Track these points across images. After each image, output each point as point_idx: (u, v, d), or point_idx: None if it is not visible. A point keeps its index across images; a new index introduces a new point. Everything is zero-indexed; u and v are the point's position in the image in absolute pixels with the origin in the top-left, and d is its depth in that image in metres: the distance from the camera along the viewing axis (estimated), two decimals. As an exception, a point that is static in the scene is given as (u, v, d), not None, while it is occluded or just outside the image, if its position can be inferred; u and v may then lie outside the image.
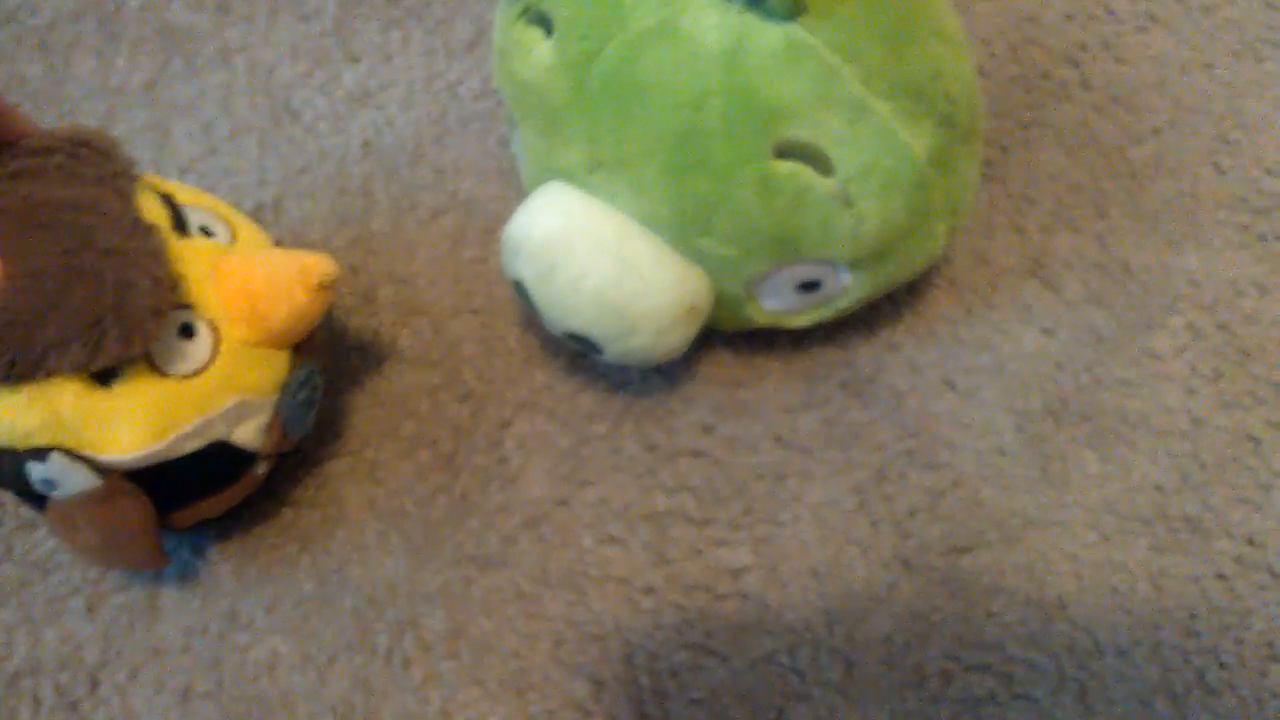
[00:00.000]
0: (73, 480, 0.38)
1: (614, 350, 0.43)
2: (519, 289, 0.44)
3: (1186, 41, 0.55)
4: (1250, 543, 0.44)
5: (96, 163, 0.39)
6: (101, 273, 0.36)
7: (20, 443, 0.37)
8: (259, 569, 0.46)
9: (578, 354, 0.49)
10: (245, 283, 0.40)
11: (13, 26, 0.60)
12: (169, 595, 0.45)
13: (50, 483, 0.38)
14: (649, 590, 0.44)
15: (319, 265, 0.41)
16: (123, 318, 0.36)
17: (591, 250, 0.41)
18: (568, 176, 0.42)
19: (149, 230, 0.38)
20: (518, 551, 0.45)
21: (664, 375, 0.49)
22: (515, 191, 0.53)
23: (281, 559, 0.46)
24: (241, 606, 0.45)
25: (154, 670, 0.44)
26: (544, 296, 0.42)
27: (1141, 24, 0.56)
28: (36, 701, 0.44)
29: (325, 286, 0.41)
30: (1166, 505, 0.45)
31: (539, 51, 0.41)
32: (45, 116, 0.57)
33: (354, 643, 0.44)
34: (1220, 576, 0.44)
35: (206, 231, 0.42)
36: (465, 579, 0.45)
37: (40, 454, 0.37)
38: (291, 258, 0.41)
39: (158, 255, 0.38)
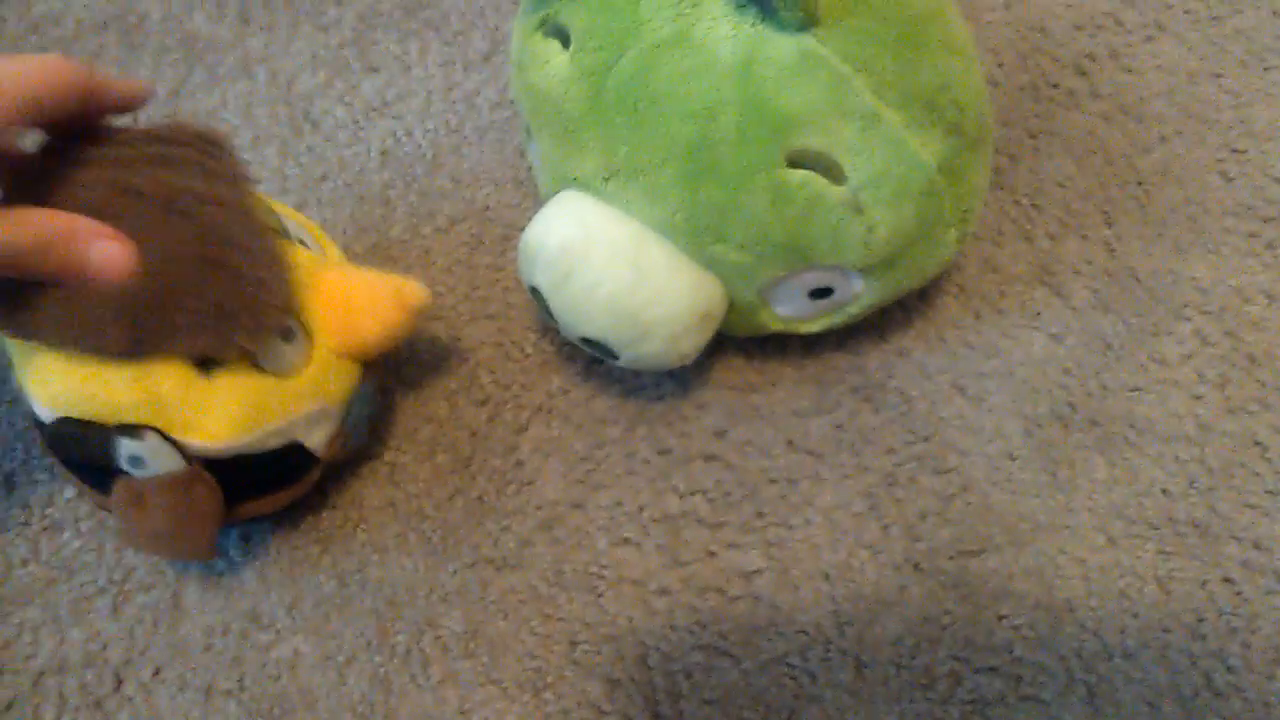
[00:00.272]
0: (160, 461, 0.39)
1: (628, 356, 0.43)
2: (535, 295, 0.44)
3: (1194, 51, 0.56)
4: (1257, 547, 0.45)
5: (224, 161, 0.40)
6: (239, 267, 0.38)
7: (114, 417, 0.39)
8: (280, 570, 0.46)
9: (593, 359, 0.50)
10: (345, 296, 0.42)
11: (36, 37, 0.62)
12: (192, 595, 0.46)
13: (138, 460, 0.39)
14: (663, 592, 0.45)
15: (415, 289, 0.43)
16: (255, 313, 0.38)
17: (606, 257, 0.41)
18: (583, 185, 0.43)
19: (273, 233, 0.40)
20: (533, 553, 0.46)
21: (677, 380, 0.49)
22: (531, 199, 0.54)
23: (303, 559, 0.47)
24: (263, 606, 0.46)
25: (177, 669, 0.45)
26: (559, 303, 0.43)
27: (1149, 33, 0.57)
28: (62, 699, 0.44)
29: (418, 309, 0.43)
30: (1174, 510, 0.46)
31: (556, 62, 0.42)
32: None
33: (373, 642, 0.45)
34: (1227, 580, 0.44)
35: (303, 243, 0.43)
36: (482, 580, 0.46)
37: (135, 431, 0.39)
38: (389, 279, 0.43)
39: (282, 259, 0.40)
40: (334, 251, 0.46)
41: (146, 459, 0.39)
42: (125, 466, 0.39)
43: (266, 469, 0.42)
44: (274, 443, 0.41)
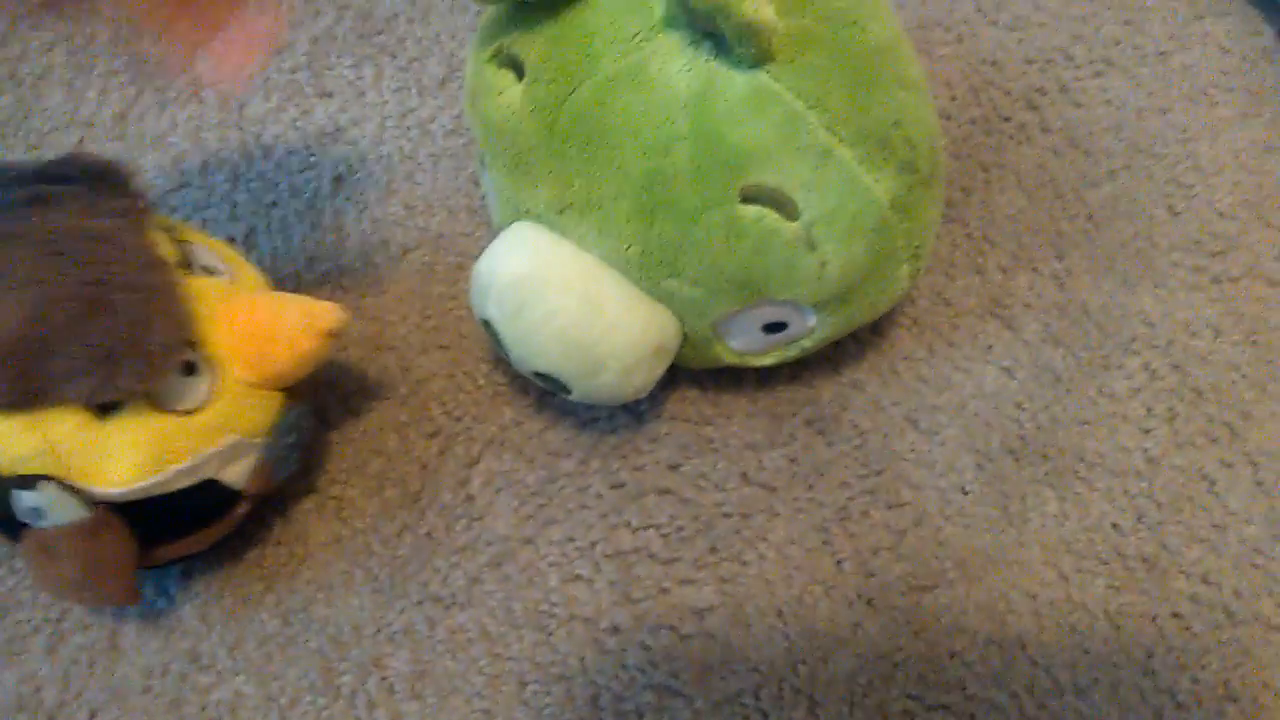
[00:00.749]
0: (62, 510, 0.38)
1: (581, 389, 0.43)
2: (487, 328, 0.44)
3: (1142, 85, 0.57)
4: (1205, 581, 0.45)
5: (114, 195, 0.39)
6: (118, 307, 0.36)
7: (10, 469, 0.37)
8: (222, 608, 0.45)
9: (547, 392, 0.49)
10: (252, 324, 0.40)
11: (-19, 58, 0.60)
12: (130, 635, 0.45)
13: (38, 512, 0.38)
14: (615, 630, 0.45)
15: (327, 312, 0.41)
16: (138, 353, 0.36)
17: (559, 290, 0.41)
18: (537, 217, 0.42)
19: (165, 266, 0.39)
20: (483, 591, 0.45)
21: (631, 413, 0.49)
22: (486, 229, 0.54)
23: (245, 598, 0.46)
24: (204, 646, 0.45)
25: (114, 712, 0.43)
26: (511, 336, 0.42)
27: (1098, 69, 0.57)
28: (-6, 743, 0.43)
29: (331, 333, 0.41)
30: (1123, 544, 0.46)
31: (509, 93, 0.42)
32: (14, 148, 0.57)
33: (317, 684, 0.44)
34: (1176, 615, 0.45)
35: (209, 270, 0.42)
36: (430, 619, 0.45)
37: (29, 482, 0.37)
38: (299, 303, 0.41)
39: (173, 292, 0.38)
40: (249, 275, 0.44)
41: (45, 510, 0.38)
42: (25, 519, 0.38)
43: (181, 509, 0.40)
44: (184, 482, 0.40)
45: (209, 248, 0.43)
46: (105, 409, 0.38)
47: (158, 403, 0.38)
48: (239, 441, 0.41)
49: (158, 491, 0.39)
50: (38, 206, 0.37)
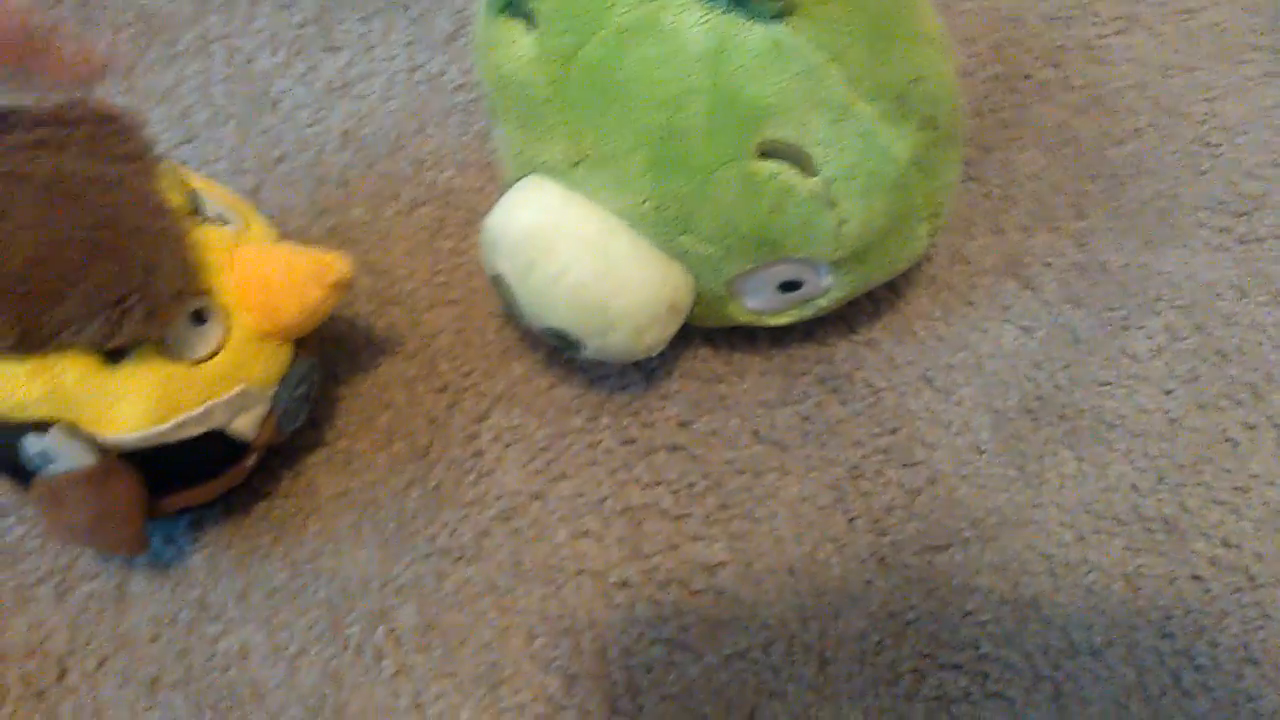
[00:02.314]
0: (70, 456, 0.37)
1: (593, 347, 0.42)
2: (498, 283, 0.43)
3: (1167, 43, 0.55)
4: (1226, 544, 0.44)
5: (122, 140, 0.38)
6: (128, 251, 0.36)
7: (18, 414, 0.37)
8: (231, 559, 0.45)
9: (555, 348, 0.49)
10: (262, 274, 0.40)
11: (-10, 10, 0.60)
12: (139, 584, 0.45)
13: (46, 456, 0.38)
14: (623, 585, 0.44)
15: (336, 264, 0.41)
16: (147, 298, 0.36)
17: (572, 246, 0.40)
18: (548, 171, 0.42)
19: (174, 213, 0.38)
20: (491, 544, 0.45)
21: (642, 370, 0.48)
22: (495, 184, 0.53)
23: (254, 549, 0.45)
24: (212, 596, 0.44)
25: (122, 659, 0.43)
26: (523, 292, 0.42)
27: (1122, 26, 0.56)
28: (3, 690, 0.43)
29: (339, 285, 0.41)
30: (1142, 506, 0.45)
31: (521, 44, 0.41)
32: (22, 102, 0.56)
33: (325, 634, 0.44)
34: (1196, 578, 0.44)
35: (220, 219, 0.42)
36: (438, 572, 0.45)
37: (40, 427, 0.37)
38: (308, 254, 0.41)
39: (182, 239, 0.38)
40: (258, 227, 0.44)
41: (54, 455, 0.37)
42: (34, 464, 0.38)
43: (190, 459, 0.40)
44: (192, 430, 0.39)
45: (218, 197, 0.43)
46: (114, 355, 0.37)
47: (167, 350, 0.38)
48: (247, 391, 0.40)
49: (166, 440, 0.39)
50: (46, 149, 0.37)
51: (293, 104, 0.56)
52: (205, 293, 0.39)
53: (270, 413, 0.42)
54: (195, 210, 0.41)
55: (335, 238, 0.52)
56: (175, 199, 0.39)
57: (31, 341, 0.36)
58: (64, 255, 0.35)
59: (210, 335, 0.39)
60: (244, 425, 0.41)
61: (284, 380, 0.42)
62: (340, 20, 0.58)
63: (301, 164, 0.54)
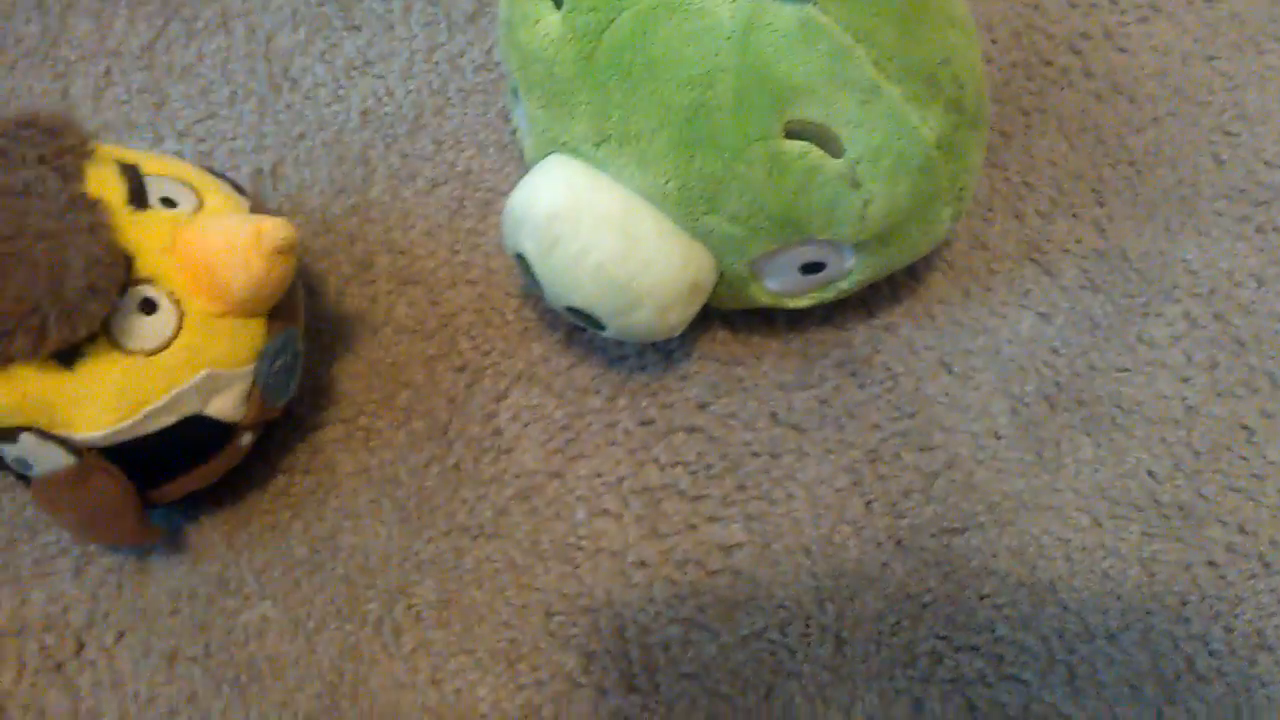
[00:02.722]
0: (46, 460, 0.38)
1: (616, 326, 0.42)
2: (520, 262, 0.43)
3: (1189, 32, 0.55)
4: (1242, 531, 0.44)
5: (39, 143, 0.38)
6: (35, 257, 0.35)
7: None
8: (250, 534, 0.45)
9: (574, 327, 0.49)
10: (202, 252, 0.39)
11: (10, -14, 0.60)
12: (158, 558, 0.45)
13: (24, 462, 0.38)
14: (641, 564, 0.44)
15: (274, 229, 0.39)
16: (59, 300, 0.35)
17: (596, 225, 0.40)
18: (573, 150, 0.42)
19: (89, 206, 0.37)
20: (510, 522, 0.45)
21: (661, 351, 0.49)
22: (515, 164, 0.53)
23: (273, 525, 0.45)
24: (231, 571, 0.45)
25: (141, 633, 0.44)
26: (546, 270, 0.42)
27: (1144, 14, 0.56)
28: (21, 662, 0.43)
29: (282, 251, 0.39)
30: (1159, 492, 0.45)
31: (547, 21, 0.41)
32: (42, 77, 0.56)
33: (344, 610, 0.44)
34: (1211, 564, 0.44)
35: (169, 202, 0.40)
36: (457, 549, 0.45)
37: (10, 435, 0.37)
38: (246, 223, 0.39)
39: (95, 231, 0.36)
40: (218, 200, 0.42)
41: (31, 460, 0.38)
42: (17, 469, 0.38)
43: (173, 446, 0.40)
44: (165, 420, 0.39)
45: (174, 178, 0.42)
46: (67, 357, 0.37)
47: (119, 345, 0.37)
48: (213, 374, 0.39)
49: (140, 432, 0.38)
50: None
51: (313, 82, 0.56)
52: (149, 280, 0.38)
53: (253, 390, 0.41)
54: (137, 197, 0.39)
55: (355, 216, 0.52)
56: (106, 190, 0.38)
57: None
58: None
59: (162, 323, 0.38)
60: (224, 406, 0.40)
61: (261, 355, 0.41)
62: (360, -1, 0.58)
63: (321, 142, 0.54)
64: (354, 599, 0.44)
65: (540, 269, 0.42)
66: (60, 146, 0.38)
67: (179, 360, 0.38)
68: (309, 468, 0.46)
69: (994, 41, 0.56)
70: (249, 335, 0.40)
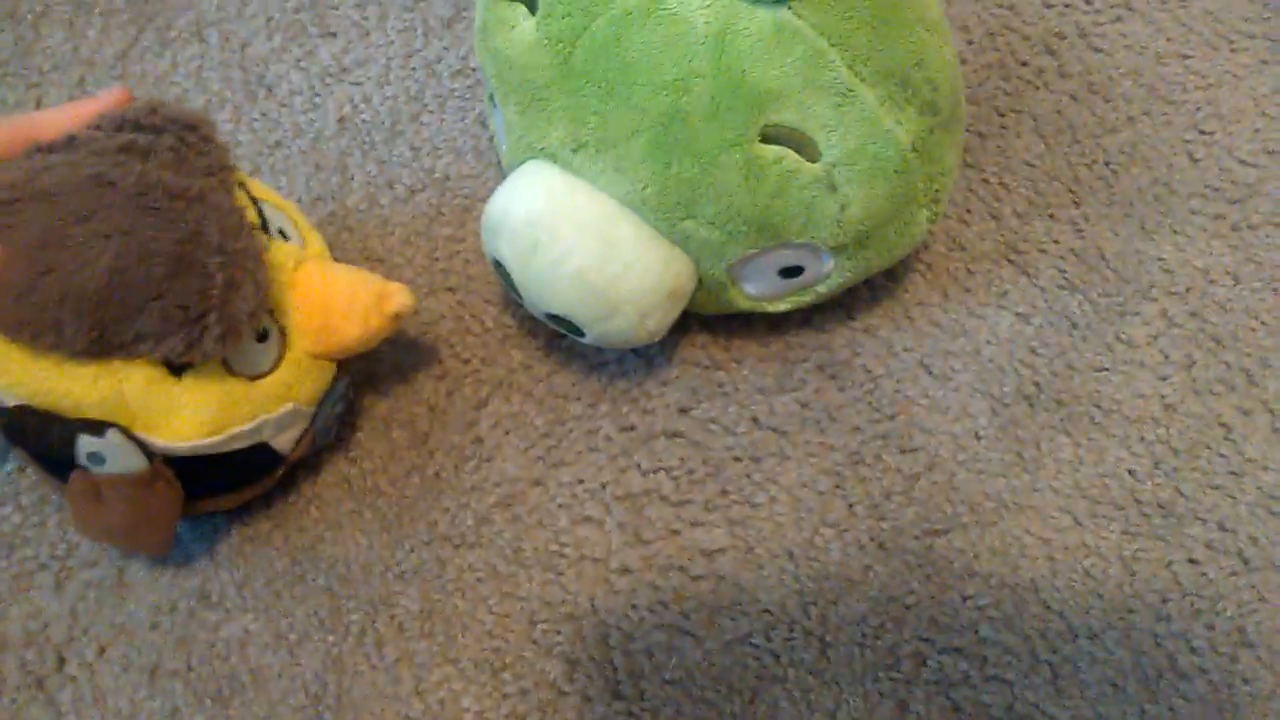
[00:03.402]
0: (122, 459, 0.38)
1: (595, 332, 0.42)
2: (498, 269, 0.43)
3: (1162, 31, 0.56)
4: (1222, 528, 0.45)
5: (204, 151, 0.38)
6: (211, 270, 0.36)
7: (73, 412, 0.37)
8: (230, 546, 0.45)
9: (554, 334, 0.49)
10: (325, 298, 0.40)
11: (-20, -5, 0.59)
12: (138, 572, 0.45)
13: (98, 457, 0.38)
14: (625, 570, 0.44)
15: (400, 296, 0.41)
16: (225, 318, 0.36)
17: (574, 231, 0.40)
18: (550, 156, 0.42)
19: (252, 232, 0.38)
20: (492, 531, 0.45)
21: (641, 356, 0.48)
22: (493, 170, 0.53)
23: (253, 536, 0.45)
24: (212, 584, 0.44)
25: (122, 648, 0.43)
26: (524, 277, 0.42)
27: (1118, 13, 0.56)
28: (1, 679, 0.43)
29: (400, 315, 0.41)
30: (1139, 491, 0.45)
31: (522, 28, 0.41)
32: (15, 86, 0.56)
33: (326, 622, 0.44)
34: (1192, 561, 0.44)
35: (283, 234, 0.42)
36: (439, 558, 0.45)
37: (97, 428, 0.37)
38: (371, 281, 0.41)
39: (259, 259, 0.38)
40: (315, 241, 0.44)
41: (107, 456, 0.37)
42: (84, 462, 0.38)
43: (231, 468, 0.41)
44: (242, 444, 0.40)
45: (278, 207, 0.43)
46: (178, 367, 0.37)
47: (228, 365, 0.38)
48: (296, 409, 0.41)
49: (217, 450, 0.39)
50: (132, 154, 0.37)
51: (289, 89, 0.55)
52: (272, 312, 0.39)
53: (308, 429, 0.42)
54: (264, 224, 0.41)
55: (332, 224, 0.52)
56: (250, 214, 0.39)
57: (102, 349, 0.36)
58: (147, 267, 0.35)
59: (269, 353, 0.40)
60: (286, 440, 0.42)
61: (324, 398, 0.42)
62: (335, 5, 0.58)
63: (298, 150, 0.54)
64: (336, 610, 0.44)
65: (519, 275, 0.42)
66: (220, 158, 0.39)
67: (273, 391, 0.40)
68: (288, 479, 0.46)
69: (969, 42, 0.56)
70: (326, 377, 0.42)
